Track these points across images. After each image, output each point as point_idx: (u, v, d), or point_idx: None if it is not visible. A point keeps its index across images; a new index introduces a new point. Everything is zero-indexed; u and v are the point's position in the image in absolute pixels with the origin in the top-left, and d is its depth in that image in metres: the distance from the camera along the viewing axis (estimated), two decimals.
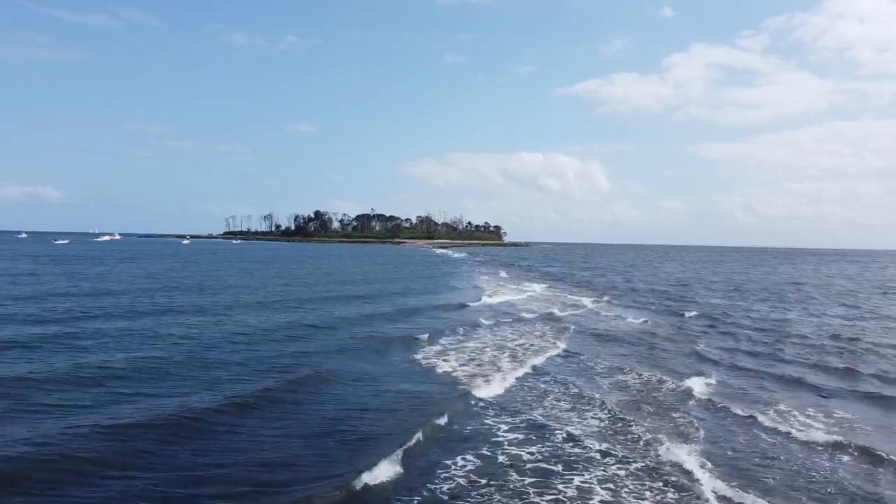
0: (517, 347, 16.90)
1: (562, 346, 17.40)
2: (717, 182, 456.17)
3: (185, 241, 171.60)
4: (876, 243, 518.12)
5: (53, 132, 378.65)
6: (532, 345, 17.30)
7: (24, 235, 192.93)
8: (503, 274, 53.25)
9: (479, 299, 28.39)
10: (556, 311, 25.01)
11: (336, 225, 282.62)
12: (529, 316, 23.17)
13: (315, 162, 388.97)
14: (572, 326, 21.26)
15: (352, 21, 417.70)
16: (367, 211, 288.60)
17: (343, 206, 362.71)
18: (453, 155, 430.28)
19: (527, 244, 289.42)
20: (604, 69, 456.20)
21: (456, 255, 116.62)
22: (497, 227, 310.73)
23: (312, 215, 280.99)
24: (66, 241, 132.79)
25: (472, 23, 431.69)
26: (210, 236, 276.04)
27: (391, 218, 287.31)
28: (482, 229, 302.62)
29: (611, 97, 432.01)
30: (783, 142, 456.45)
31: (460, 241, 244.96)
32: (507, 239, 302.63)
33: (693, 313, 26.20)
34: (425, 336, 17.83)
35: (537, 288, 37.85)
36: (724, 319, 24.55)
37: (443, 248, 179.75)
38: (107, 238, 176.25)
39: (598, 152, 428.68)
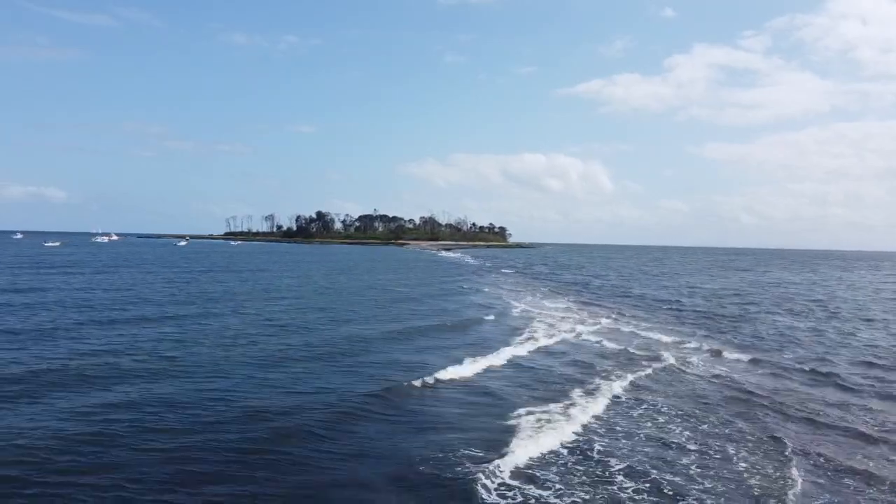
0: None
1: None
2: (718, 183, 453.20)
3: (182, 243, 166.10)
4: (878, 244, 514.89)
5: (54, 132, 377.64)
6: None
7: (19, 236, 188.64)
8: (526, 289, 47.40)
9: (519, 340, 20.93)
10: (647, 372, 16.47)
11: (338, 225, 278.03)
12: (613, 394, 14.19)
13: (316, 162, 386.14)
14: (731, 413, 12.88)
15: (352, 21, 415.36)
16: (369, 211, 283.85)
17: (345, 207, 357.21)
18: (454, 155, 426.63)
19: (531, 245, 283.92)
20: (605, 70, 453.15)
21: (464, 258, 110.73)
22: (502, 228, 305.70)
23: (314, 216, 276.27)
24: (57, 244, 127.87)
25: (471, 23, 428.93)
26: (210, 237, 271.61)
27: (394, 219, 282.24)
28: (486, 230, 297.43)
29: (612, 98, 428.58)
30: (785, 142, 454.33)
31: (465, 243, 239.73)
32: (511, 240, 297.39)
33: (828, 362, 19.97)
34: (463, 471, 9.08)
35: (575, 308, 32.10)
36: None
37: (447, 250, 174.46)
38: (104, 239, 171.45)
39: (600, 153, 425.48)
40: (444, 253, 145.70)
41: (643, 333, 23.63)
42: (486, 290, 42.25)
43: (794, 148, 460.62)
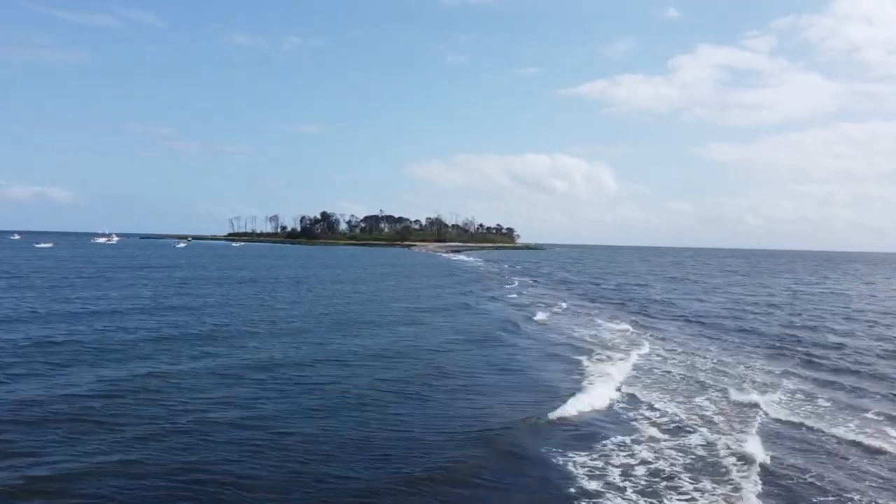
0: None
1: None
2: (723, 184, 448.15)
3: (181, 245, 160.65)
4: (883, 245, 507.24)
5: (59, 133, 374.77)
6: None
7: (16, 237, 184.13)
8: (569, 308, 40.62)
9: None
10: None
11: (343, 226, 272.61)
12: None
13: (320, 163, 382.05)
14: None
15: (353, 21, 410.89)
16: (374, 212, 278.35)
17: (350, 208, 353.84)
18: (458, 156, 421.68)
19: (539, 247, 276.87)
20: (608, 70, 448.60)
21: (476, 263, 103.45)
22: (510, 230, 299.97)
23: (319, 216, 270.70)
24: (49, 245, 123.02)
25: (473, 23, 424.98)
26: (213, 237, 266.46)
27: (400, 219, 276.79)
28: (494, 231, 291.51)
29: (615, 98, 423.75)
30: (790, 144, 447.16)
31: (472, 244, 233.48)
32: (519, 241, 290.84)
33: None
34: None
35: (666, 355, 25.39)
36: None
37: (456, 252, 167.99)
38: (103, 240, 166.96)
39: (604, 154, 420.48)
40: (455, 256, 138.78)
41: (838, 433, 14.79)
42: (532, 316, 35.66)
43: (799, 149, 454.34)
